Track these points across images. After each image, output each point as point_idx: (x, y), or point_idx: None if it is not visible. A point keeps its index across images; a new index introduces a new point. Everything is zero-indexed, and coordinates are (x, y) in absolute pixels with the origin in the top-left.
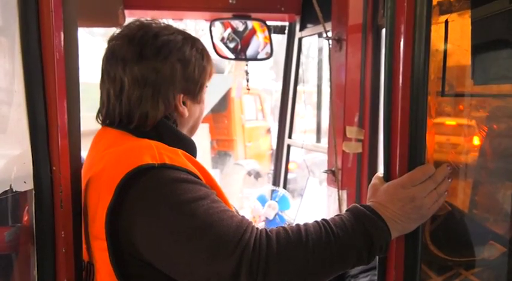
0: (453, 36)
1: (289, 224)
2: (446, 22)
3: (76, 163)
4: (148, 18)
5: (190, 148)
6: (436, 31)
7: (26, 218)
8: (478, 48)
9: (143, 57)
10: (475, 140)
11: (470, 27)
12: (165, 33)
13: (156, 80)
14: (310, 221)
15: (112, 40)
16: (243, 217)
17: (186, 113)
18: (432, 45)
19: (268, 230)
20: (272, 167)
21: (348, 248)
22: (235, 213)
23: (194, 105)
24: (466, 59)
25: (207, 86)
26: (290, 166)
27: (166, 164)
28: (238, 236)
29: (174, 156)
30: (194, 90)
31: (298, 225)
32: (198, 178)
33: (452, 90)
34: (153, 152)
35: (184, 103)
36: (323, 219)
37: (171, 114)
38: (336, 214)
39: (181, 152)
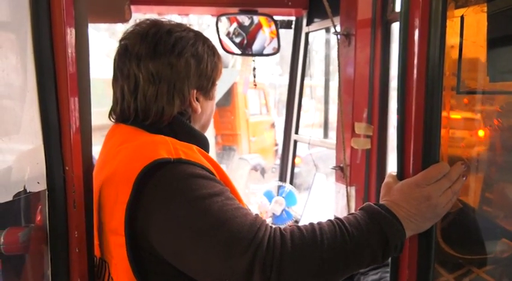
0: (469, 32)
1: (295, 221)
2: (462, 17)
3: (88, 162)
4: (156, 15)
5: (203, 144)
6: (451, 26)
7: (39, 218)
8: (493, 43)
9: (158, 53)
10: (487, 136)
11: (486, 23)
12: (177, 30)
13: (171, 76)
14: (318, 217)
15: (124, 39)
16: (256, 215)
17: (199, 109)
18: (447, 40)
19: (282, 228)
20: (276, 162)
21: (362, 248)
22: (249, 210)
23: (207, 102)
24: (481, 54)
25: (217, 84)
26: (295, 160)
27: (182, 159)
28: (252, 234)
29: (189, 151)
30: (207, 86)
31: (312, 224)
32: (213, 174)
33: (467, 87)
34: (169, 147)
35: (197, 99)
36: (337, 218)
37: (186, 111)
38: (345, 210)
39: (196, 148)
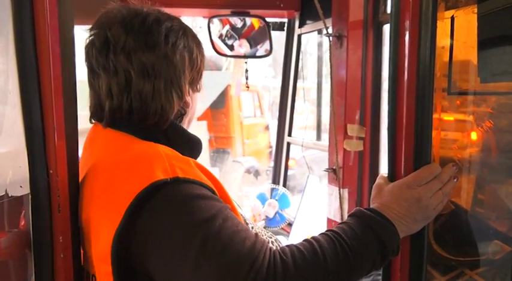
0: (459, 33)
1: (288, 223)
2: (453, 18)
3: (74, 165)
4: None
5: (197, 148)
6: (442, 27)
7: (22, 223)
8: (484, 44)
9: (150, 46)
10: (479, 137)
11: (476, 24)
12: (163, 19)
13: (168, 70)
14: (311, 219)
15: (99, 28)
16: (256, 235)
17: (190, 104)
18: (438, 41)
19: (281, 252)
20: (271, 164)
21: (363, 258)
22: (249, 231)
23: (195, 95)
24: (472, 55)
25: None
26: (289, 162)
27: (179, 178)
28: (251, 261)
29: (186, 167)
30: (196, 78)
31: (310, 242)
32: (211, 190)
33: (458, 88)
34: (164, 164)
35: (188, 93)
36: (332, 231)
37: (182, 108)
38: (338, 212)
39: (193, 162)
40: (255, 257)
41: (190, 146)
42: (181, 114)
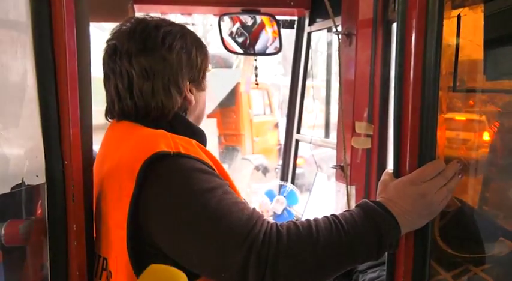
0: (466, 31)
1: (296, 220)
2: (459, 17)
3: (88, 157)
4: (159, 14)
5: (201, 139)
6: (448, 26)
7: (39, 211)
8: (490, 43)
9: (148, 49)
10: (486, 135)
11: (483, 22)
12: (164, 25)
13: (165, 70)
14: (319, 215)
15: (111, 39)
16: (254, 209)
17: (193, 101)
18: (444, 40)
19: (279, 224)
20: (280, 162)
21: (357, 244)
22: (247, 205)
23: (199, 93)
24: (478, 54)
25: (207, 74)
26: (298, 161)
27: (181, 153)
28: (248, 229)
29: (189, 146)
30: (198, 77)
31: (308, 220)
32: (212, 168)
33: (464, 86)
34: (168, 140)
35: (190, 91)
36: (333, 215)
37: (183, 103)
38: (345, 209)
39: (195, 143)
40: (252, 225)
41: (194, 136)
42: (185, 109)
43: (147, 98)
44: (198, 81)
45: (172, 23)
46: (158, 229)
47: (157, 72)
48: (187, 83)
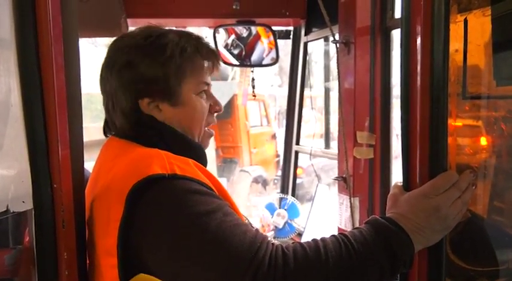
0: (473, 36)
1: (298, 233)
2: (466, 21)
3: (79, 179)
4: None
5: (199, 156)
6: (455, 30)
7: (27, 239)
8: (500, 47)
9: (103, 71)
10: (496, 142)
11: (490, 26)
12: (122, 39)
13: (110, 91)
14: (322, 229)
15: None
16: (257, 230)
17: (162, 116)
18: (451, 45)
19: (284, 246)
20: (278, 173)
21: (369, 265)
22: (250, 226)
23: (173, 109)
24: (487, 58)
25: (207, 84)
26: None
27: (176, 175)
28: (252, 254)
29: (185, 166)
30: (164, 92)
31: (316, 241)
32: (210, 188)
33: (473, 92)
34: (163, 161)
35: (158, 107)
36: (342, 233)
37: (147, 121)
38: (349, 222)
39: (192, 162)
40: (256, 249)
41: (191, 153)
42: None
43: (109, 115)
44: (167, 96)
45: (133, 35)
46: (154, 256)
47: (106, 93)
48: (145, 100)
